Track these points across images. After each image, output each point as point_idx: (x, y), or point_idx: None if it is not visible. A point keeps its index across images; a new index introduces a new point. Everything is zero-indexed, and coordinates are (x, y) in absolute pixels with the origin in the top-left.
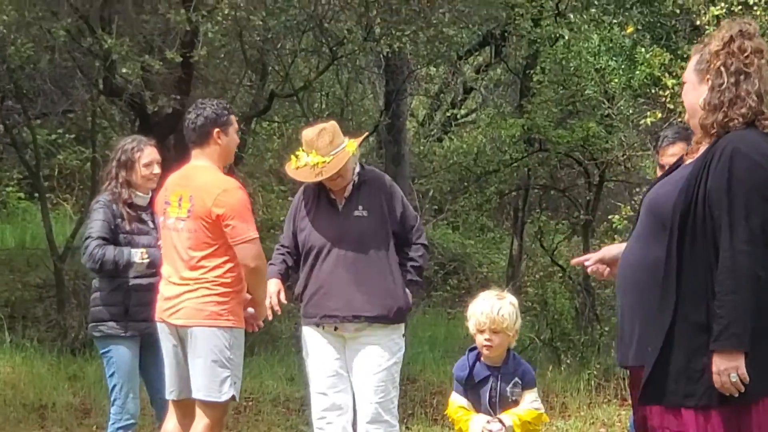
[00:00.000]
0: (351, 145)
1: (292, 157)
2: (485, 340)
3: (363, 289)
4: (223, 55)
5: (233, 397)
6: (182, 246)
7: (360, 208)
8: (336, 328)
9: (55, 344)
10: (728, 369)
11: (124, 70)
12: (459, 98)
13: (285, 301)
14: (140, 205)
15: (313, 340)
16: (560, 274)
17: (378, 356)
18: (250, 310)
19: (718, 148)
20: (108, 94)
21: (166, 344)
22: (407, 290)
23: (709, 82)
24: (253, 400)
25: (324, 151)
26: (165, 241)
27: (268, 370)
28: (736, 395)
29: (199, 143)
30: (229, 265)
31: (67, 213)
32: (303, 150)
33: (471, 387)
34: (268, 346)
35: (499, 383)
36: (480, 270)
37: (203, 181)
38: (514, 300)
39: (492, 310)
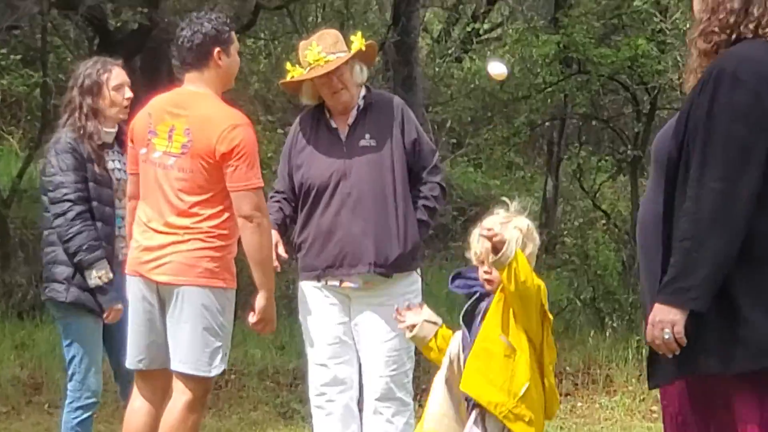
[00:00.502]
0: (359, 41)
1: (287, 67)
2: (484, 272)
3: (372, 235)
4: None
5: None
6: (171, 187)
7: (367, 136)
8: (341, 282)
9: None
10: (663, 322)
11: None
12: (482, 10)
13: (285, 255)
14: (107, 142)
15: (312, 299)
16: (603, 221)
17: (389, 319)
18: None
19: (706, 73)
20: (61, 7)
21: (138, 303)
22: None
23: None
24: (236, 372)
25: (326, 49)
26: (146, 177)
27: (253, 336)
28: (670, 356)
29: (196, 65)
30: (226, 215)
31: (12, 149)
32: (298, 59)
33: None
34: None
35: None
36: None
37: (206, 113)
38: (524, 223)
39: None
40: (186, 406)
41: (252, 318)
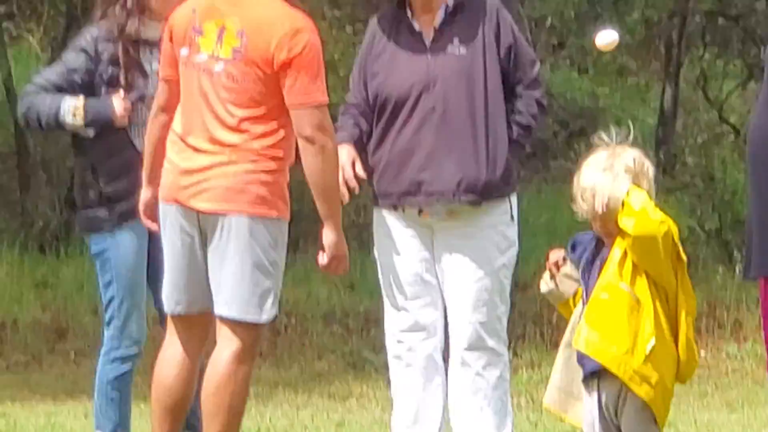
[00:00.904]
0: None
1: None
2: (599, 229)
3: (458, 157)
4: None
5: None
6: (217, 97)
7: (456, 41)
8: (421, 212)
9: (17, 237)
10: None
11: None
12: None
13: (364, 175)
14: (150, 39)
15: (389, 231)
16: (732, 136)
17: (479, 254)
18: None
19: None
20: None
21: (176, 236)
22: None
23: None
24: (298, 316)
25: None
26: (187, 85)
27: (317, 273)
28: None
29: None
30: (282, 133)
31: (32, 50)
32: None
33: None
34: (319, 238)
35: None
36: (618, 130)
37: (264, 13)
38: (630, 158)
39: (589, 192)
40: (234, 356)
41: (322, 258)
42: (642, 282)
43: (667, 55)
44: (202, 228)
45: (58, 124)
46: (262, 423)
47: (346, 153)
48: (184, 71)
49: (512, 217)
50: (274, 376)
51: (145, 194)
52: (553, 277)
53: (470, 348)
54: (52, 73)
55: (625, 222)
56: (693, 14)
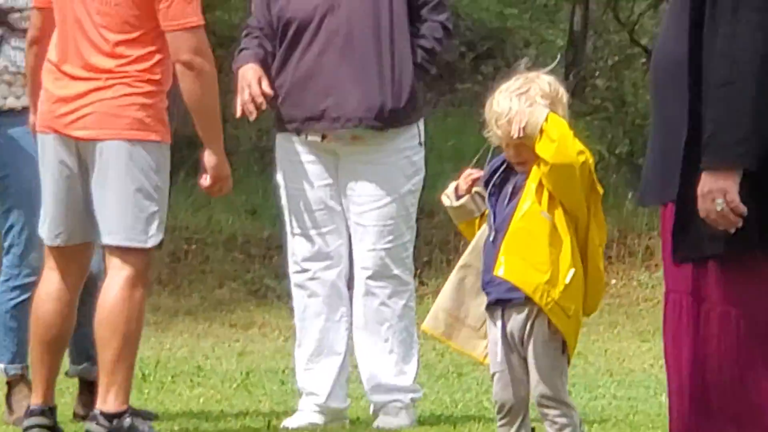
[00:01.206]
0: None
1: None
2: (513, 156)
3: (362, 81)
4: None
5: (161, 243)
6: (91, 23)
7: None
8: (324, 137)
9: None
10: (712, 192)
11: None
12: None
13: (270, 92)
14: None
15: (292, 157)
16: (644, 59)
17: (385, 180)
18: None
19: None
20: None
21: (54, 166)
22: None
23: None
24: (198, 242)
25: None
26: (61, 12)
27: (219, 198)
28: (732, 230)
29: None
30: (157, 57)
31: None
32: None
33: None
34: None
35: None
36: (526, 52)
37: None
38: (545, 84)
39: (504, 117)
40: (125, 282)
41: (204, 180)
42: (559, 211)
43: None
44: (82, 156)
45: None
46: (161, 352)
47: (252, 71)
48: None
49: (420, 143)
50: (174, 304)
51: (32, 120)
52: (467, 192)
53: (375, 277)
54: None
55: (543, 149)
56: None
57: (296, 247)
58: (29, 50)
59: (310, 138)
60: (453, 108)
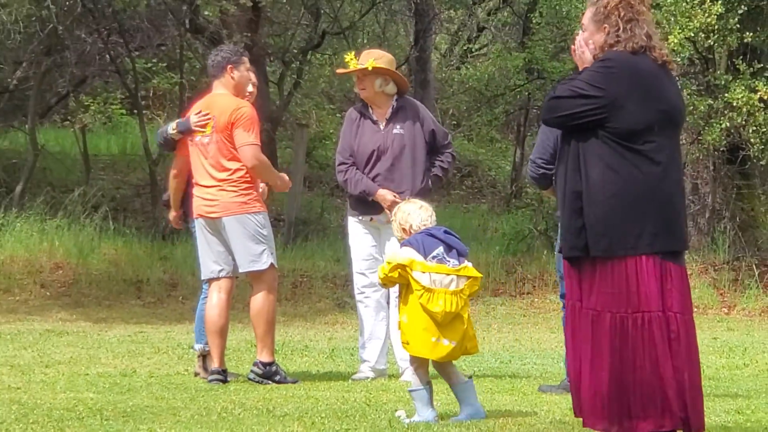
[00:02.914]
0: (369, 62)
1: (346, 59)
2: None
3: (397, 190)
4: (285, 1)
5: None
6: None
7: (398, 126)
8: (371, 219)
9: (149, 231)
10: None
11: (206, 13)
12: (474, 35)
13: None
14: None
15: (355, 229)
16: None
17: None
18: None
19: None
20: (193, 32)
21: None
22: (431, 182)
23: (606, 29)
24: (307, 276)
25: (359, 59)
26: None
27: (319, 253)
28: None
29: (218, 76)
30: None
31: (159, 126)
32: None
33: None
34: (320, 233)
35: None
36: (489, 173)
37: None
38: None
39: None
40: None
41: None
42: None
43: (518, 131)
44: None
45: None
46: (286, 337)
47: (387, 192)
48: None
49: None
50: (293, 310)
51: (172, 215)
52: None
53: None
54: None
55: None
56: (532, 108)
57: (357, 280)
58: (173, 179)
59: (363, 218)
60: (448, 204)
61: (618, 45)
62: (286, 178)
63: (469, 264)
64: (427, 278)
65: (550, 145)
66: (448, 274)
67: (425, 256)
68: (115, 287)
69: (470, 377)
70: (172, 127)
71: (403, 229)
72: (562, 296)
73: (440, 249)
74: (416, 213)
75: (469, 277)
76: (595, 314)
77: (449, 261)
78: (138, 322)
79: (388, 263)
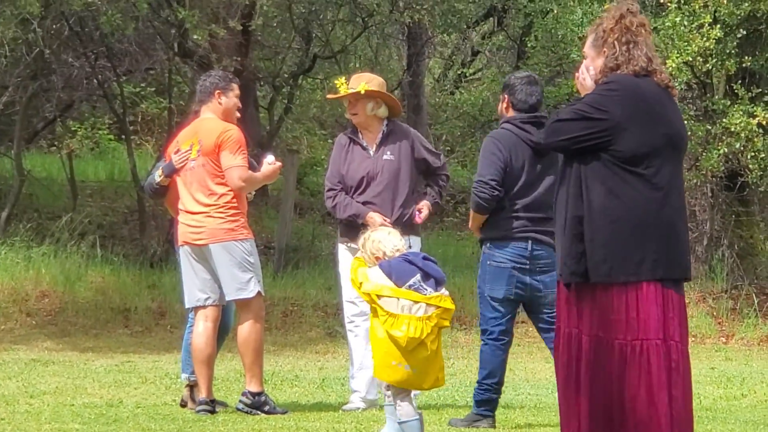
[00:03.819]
0: (361, 86)
1: (337, 83)
2: None
3: (387, 216)
4: (275, 24)
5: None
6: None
7: (388, 152)
8: None
9: (138, 259)
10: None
11: (195, 36)
12: (467, 60)
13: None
14: None
15: (344, 256)
16: None
17: None
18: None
19: None
20: (182, 56)
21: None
22: (429, 204)
23: (605, 53)
24: (297, 305)
25: (350, 83)
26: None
27: (310, 281)
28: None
29: (205, 101)
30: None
31: (148, 152)
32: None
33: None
34: (311, 261)
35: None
36: None
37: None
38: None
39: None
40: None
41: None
42: None
43: None
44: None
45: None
46: (276, 367)
47: (376, 215)
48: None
49: (419, 246)
50: (283, 339)
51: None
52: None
53: None
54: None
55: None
56: None
57: (348, 309)
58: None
59: (353, 246)
60: (442, 231)
61: (619, 69)
62: (271, 166)
63: (446, 293)
64: (395, 304)
65: (502, 166)
66: (416, 302)
67: (396, 282)
68: (102, 316)
69: (420, 413)
70: (158, 175)
71: (376, 258)
72: (484, 331)
73: (417, 277)
74: (387, 239)
75: (439, 307)
76: (594, 341)
77: (426, 290)
78: (125, 351)
79: (359, 282)
